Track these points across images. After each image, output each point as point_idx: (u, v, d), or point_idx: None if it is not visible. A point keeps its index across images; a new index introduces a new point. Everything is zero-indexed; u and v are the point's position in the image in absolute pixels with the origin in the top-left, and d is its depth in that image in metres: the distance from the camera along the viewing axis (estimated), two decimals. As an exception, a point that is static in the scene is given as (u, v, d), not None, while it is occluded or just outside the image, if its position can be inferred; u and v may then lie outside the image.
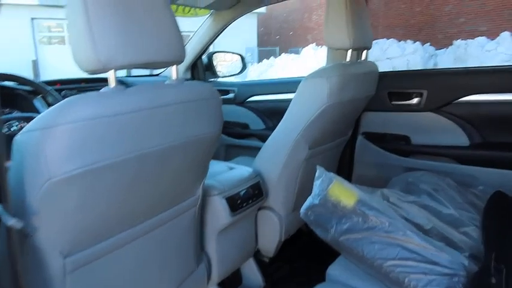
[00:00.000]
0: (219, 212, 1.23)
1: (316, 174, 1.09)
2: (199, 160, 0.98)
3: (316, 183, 1.07)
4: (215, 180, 1.28)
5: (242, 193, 1.30)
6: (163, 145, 0.82)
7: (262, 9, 15.08)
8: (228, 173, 1.38)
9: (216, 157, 2.26)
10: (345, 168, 1.86)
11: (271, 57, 12.12)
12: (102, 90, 0.73)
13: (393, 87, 1.72)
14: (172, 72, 0.87)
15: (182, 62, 0.83)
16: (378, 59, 8.08)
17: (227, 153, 2.30)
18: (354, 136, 1.83)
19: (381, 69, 1.65)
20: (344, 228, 1.01)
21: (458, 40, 8.33)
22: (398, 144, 1.74)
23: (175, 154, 0.86)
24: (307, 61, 9.47)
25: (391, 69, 7.93)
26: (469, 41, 8.11)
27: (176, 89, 0.84)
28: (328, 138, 1.50)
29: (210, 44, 2.21)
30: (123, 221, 0.84)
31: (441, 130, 1.64)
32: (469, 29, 9.59)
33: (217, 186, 1.25)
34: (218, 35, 2.15)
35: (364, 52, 1.49)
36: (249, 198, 1.32)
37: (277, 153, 1.42)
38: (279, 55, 13.12)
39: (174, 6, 2.36)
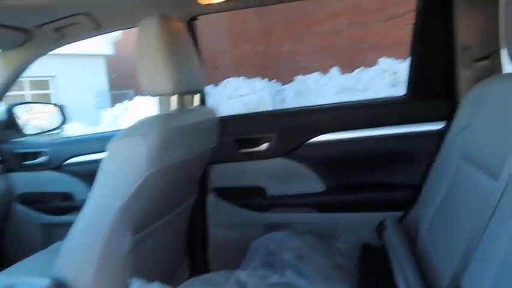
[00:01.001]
0: None
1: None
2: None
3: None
4: None
5: None
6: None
7: (109, 51, 14.22)
8: None
9: (32, 243, 1.65)
10: (197, 237, 1.52)
11: (125, 101, 11.36)
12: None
13: (239, 134, 1.50)
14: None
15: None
16: (232, 97, 8.27)
17: (45, 236, 1.71)
18: (203, 194, 1.52)
19: (236, 108, 1.41)
20: None
21: (299, 76, 9.22)
22: (254, 198, 1.50)
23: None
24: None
25: (244, 107, 8.26)
26: (307, 76, 9.05)
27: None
28: (162, 212, 1.14)
29: (3, 93, 1.64)
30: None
31: (296, 176, 1.47)
32: (306, 65, 10.78)
33: None
34: (13, 81, 1.61)
35: (196, 97, 1.21)
36: None
37: (86, 248, 0.98)
38: (134, 98, 12.43)
39: None
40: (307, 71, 9.57)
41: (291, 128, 1.46)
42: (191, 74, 1.09)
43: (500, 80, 1.03)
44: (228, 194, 1.54)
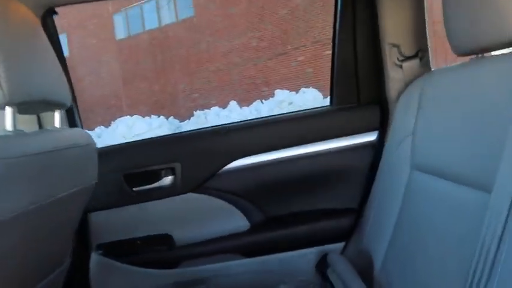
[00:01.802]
0: None
1: None
2: None
3: None
4: None
5: None
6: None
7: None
8: None
9: None
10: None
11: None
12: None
13: (130, 167, 1.12)
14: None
15: None
16: (126, 137, 7.59)
17: None
18: (82, 255, 1.08)
19: None
20: None
21: (198, 111, 9.02)
22: (157, 251, 1.12)
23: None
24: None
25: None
26: (207, 111, 8.90)
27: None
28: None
29: None
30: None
31: (212, 215, 1.15)
32: (203, 102, 10.70)
33: None
34: None
35: (57, 114, 0.82)
36: None
37: None
38: None
39: None
40: (205, 107, 9.51)
41: (199, 154, 1.14)
42: (43, 79, 0.71)
43: (438, 76, 0.89)
44: (120, 250, 1.12)
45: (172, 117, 9.20)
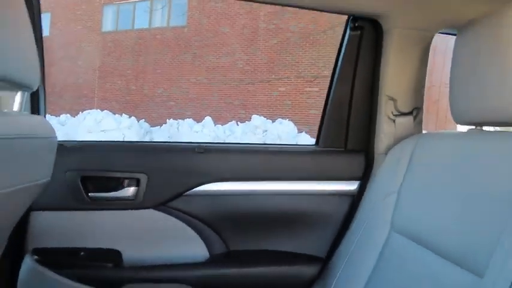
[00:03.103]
0: None
1: None
2: None
3: None
4: None
5: None
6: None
7: None
8: None
9: None
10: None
11: None
12: None
13: (91, 169, 1.01)
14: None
15: None
16: (92, 131, 7.26)
17: None
18: (13, 258, 0.95)
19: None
20: None
21: (171, 119, 8.82)
22: (101, 267, 1.01)
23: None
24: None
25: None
26: (180, 121, 8.72)
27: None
28: None
29: None
30: None
31: (170, 238, 1.05)
32: (177, 111, 10.53)
33: None
34: None
35: (18, 95, 0.71)
36: None
37: None
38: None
39: None
40: (179, 117, 9.35)
41: (169, 170, 1.06)
42: (12, 54, 0.61)
43: (433, 139, 0.87)
44: (58, 259, 0.99)
45: (143, 120, 8.96)
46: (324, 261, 1.07)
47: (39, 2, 1.02)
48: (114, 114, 8.42)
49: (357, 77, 1.09)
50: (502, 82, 0.67)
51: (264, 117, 8.61)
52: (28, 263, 0.96)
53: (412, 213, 0.80)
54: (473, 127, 0.79)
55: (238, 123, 8.55)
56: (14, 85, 0.66)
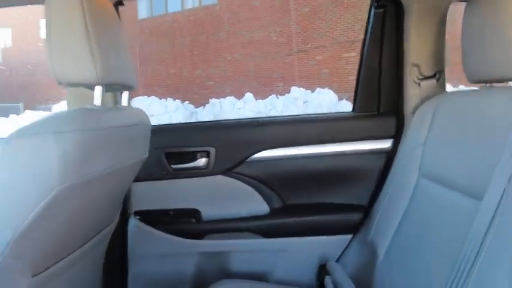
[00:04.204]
0: None
1: None
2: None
3: None
4: None
5: None
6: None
7: (-5, 59, 12.52)
8: None
9: None
10: (115, 272, 1.22)
11: (12, 115, 9.89)
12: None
13: (171, 146, 1.27)
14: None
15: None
16: (142, 116, 7.76)
17: None
18: (122, 218, 1.24)
19: None
20: None
21: (213, 99, 9.14)
22: (186, 222, 1.28)
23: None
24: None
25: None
26: (222, 99, 9.02)
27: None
28: (74, 243, 0.85)
29: None
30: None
31: (237, 197, 1.29)
32: (217, 90, 10.82)
33: None
34: None
35: (125, 94, 0.97)
36: None
37: None
38: (23, 112, 10.94)
39: None
40: (219, 95, 9.62)
41: (232, 142, 1.29)
42: (121, 63, 0.85)
43: (451, 97, 1.02)
44: (154, 218, 1.28)
45: (187, 102, 9.35)
46: (366, 209, 1.27)
47: (119, 15, 1.25)
48: (160, 99, 8.87)
49: (384, 48, 1.25)
50: (506, 44, 0.81)
51: (303, 88, 8.67)
52: (133, 221, 1.26)
53: (435, 160, 0.97)
54: (484, 84, 0.93)
55: (278, 96, 8.68)
56: (125, 86, 0.91)
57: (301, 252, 1.26)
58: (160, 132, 1.26)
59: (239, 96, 9.23)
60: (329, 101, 7.68)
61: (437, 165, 0.96)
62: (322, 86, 8.68)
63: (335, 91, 8.22)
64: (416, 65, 1.19)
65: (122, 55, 0.87)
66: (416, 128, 1.10)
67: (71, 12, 0.74)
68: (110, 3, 0.89)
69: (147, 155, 1.04)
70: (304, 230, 1.27)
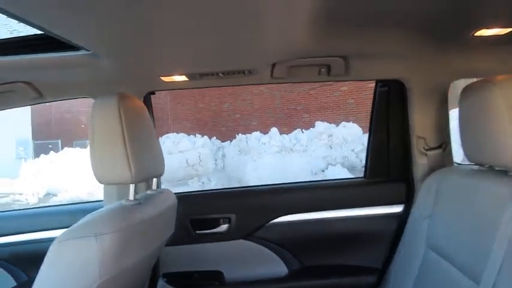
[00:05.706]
0: None
1: None
2: None
3: None
4: None
5: None
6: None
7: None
8: None
9: None
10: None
11: (51, 152, 10.47)
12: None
13: (196, 214, 1.39)
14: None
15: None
16: (171, 152, 8.05)
17: None
18: (152, 280, 1.35)
19: (177, 162, 1.29)
20: None
21: (240, 134, 9.37)
22: (210, 285, 1.37)
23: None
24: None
25: (185, 162, 8.05)
26: (248, 135, 9.22)
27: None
28: None
29: None
30: None
31: (257, 259, 1.38)
32: (244, 123, 11.03)
33: None
34: None
35: (155, 180, 1.10)
36: None
37: None
38: (62, 149, 11.55)
39: None
40: (246, 128, 9.78)
41: (252, 208, 1.40)
42: (152, 158, 0.99)
43: (455, 172, 1.09)
44: (181, 280, 1.39)
45: (214, 137, 9.59)
46: (380, 271, 1.32)
47: (152, 105, 1.42)
48: (189, 135, 9.18)
49: (390, 122, 1.34)
50: (497, 134, 0.88)
51: (327, 122, 8.72)
52: (161, 283, 1.37)
53: (440, 235, 1.03)
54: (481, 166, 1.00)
55: (303, 130, 8.78)
56: (155, 176, 1.04)
57: None
58: (186, 199, 1.39)
59: (265, 129, 9.38)
60: (353, 135, 7.69)
61: (441, 240, 1.02)
62: (347, 120, 8.71)
63: (360, 124, 8.23)
64: (422, 138, 1.27)
65: (152, 148, 1.00)
66: (424, 198, 1.17)
67: (111, 123, 0.87)
68: (141, 104, 1.03)
69: (174, 231, 1.16)
70: None
